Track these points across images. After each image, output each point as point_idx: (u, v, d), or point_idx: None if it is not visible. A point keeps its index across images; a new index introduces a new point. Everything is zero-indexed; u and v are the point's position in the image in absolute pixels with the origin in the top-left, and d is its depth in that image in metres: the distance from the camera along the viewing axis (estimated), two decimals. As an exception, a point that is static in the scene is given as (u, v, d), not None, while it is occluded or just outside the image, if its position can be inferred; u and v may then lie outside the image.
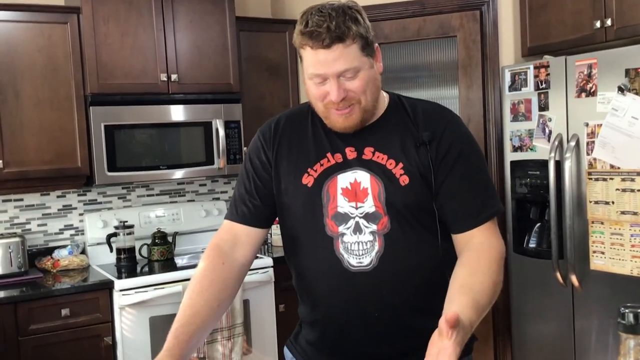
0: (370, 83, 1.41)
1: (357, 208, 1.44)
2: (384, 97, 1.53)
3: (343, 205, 1.45)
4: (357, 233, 1.44)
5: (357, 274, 1.43)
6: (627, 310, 0.85)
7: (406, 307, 1.44)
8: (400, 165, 1.44)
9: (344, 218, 1.45)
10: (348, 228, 1.44)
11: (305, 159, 1.49)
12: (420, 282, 1.45)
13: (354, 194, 1.45)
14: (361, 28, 1.37)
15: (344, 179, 1.46)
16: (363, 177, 1.45)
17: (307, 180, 1.48)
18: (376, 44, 1.44)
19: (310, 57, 1.37)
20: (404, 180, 1.43)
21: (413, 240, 1.44)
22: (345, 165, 1.47)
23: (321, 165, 1.48)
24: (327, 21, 1.33)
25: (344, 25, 1.34)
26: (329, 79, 1.37)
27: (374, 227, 1.43)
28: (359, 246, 1.43)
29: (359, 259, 1.43)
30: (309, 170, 1.48)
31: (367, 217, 1.44)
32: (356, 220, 1.44)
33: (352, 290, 1.44)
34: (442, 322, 1.12)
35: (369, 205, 1.44)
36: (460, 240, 1.45)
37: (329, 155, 1.48)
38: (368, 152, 1.46)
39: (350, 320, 1.46)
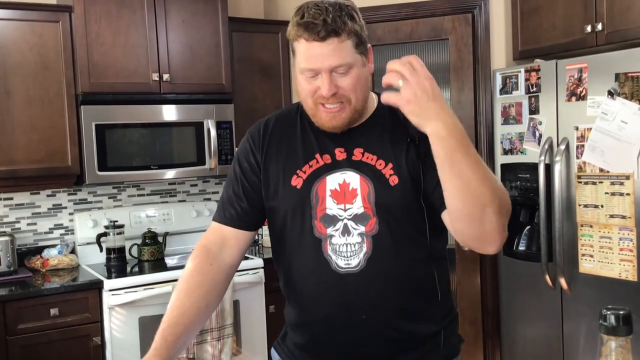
0: (362, 82, 1.40)
1: (345, 210, 1.44)
2: (373, 98, 1.53)
3: (332, 207, 1.44)
4: (346, 235, 1.43)
5: (345, 275, 1.43)
6: (608, 312, 0.86)
7: (395, 309, 1.44)
8: (390, 165, 1.44)
9: (333, 220, 1.44)
10: (336, 230, 1.44)
11: (294, 161, 1.49)
12: (409, 284, 1.44)
13: (343, 195, 1.44)
14: (356, 25, 1.37)
15: (333, 180, 1.45)
16: (352, 178, 1.44)
17: (296, 182, 1.47)
18: (369, 45, 1.44)
19: (303, 50, 1.36)
20: (394, 180, 1.43)
21: (401, 241, 1.43)
22: (334, 166, 1.46)
23: (310, 166, 1.47)
24: (324, 14, 1.33)
25: (340, 20, 1.34)
26: (321, 73, 1.36)
27: (362, 228, 1.43)
28: (347, 248, 1.43)
29: (347, 260, 1.43)
30: (298, 171, 1.48)
31: (356, 218, 1.43)
32: (345, 222, 1.44)
33: (340, 291, 1.44)
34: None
35: (357, 207, 1.43)
36: None
37: (317, 156, 1.48)
38: (357, 153, 1.46)
39: (338, 322, 1.46)
